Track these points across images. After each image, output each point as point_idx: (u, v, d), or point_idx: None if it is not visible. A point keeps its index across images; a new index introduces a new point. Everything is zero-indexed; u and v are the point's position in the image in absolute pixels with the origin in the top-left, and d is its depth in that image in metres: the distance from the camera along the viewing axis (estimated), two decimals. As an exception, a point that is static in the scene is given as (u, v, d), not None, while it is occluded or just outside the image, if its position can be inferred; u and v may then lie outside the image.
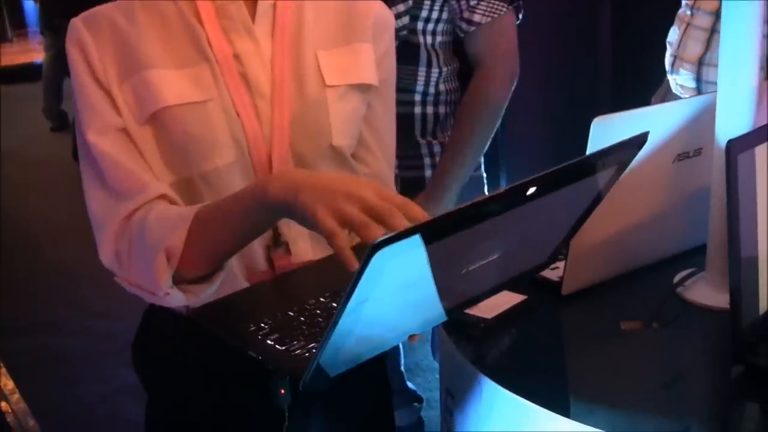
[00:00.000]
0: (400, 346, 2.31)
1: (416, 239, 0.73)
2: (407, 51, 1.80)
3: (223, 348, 0.99)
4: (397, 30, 1.69)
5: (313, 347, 0.93)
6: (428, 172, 1.92)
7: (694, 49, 2.25)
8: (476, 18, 1.81)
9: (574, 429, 0.96)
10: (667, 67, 2.38)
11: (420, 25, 1.81)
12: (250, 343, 0.95)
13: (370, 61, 1.21)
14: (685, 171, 1.26)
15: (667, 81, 2.45)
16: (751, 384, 1.04)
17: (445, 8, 1.81)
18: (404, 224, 0.86)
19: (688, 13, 2.25)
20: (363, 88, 1.20)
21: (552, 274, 1.28)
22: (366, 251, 0.71)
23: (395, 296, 0.81)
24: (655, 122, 1.22)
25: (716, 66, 2.15)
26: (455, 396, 1.18)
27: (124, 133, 1.09)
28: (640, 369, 1.11)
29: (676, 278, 1.26)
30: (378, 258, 0.71)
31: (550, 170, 0.85)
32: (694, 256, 1.29)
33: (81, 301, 3.68)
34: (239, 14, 1.13)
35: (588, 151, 1.21)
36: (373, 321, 0.82)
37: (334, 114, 1.16)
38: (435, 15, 1.81)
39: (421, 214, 0.89)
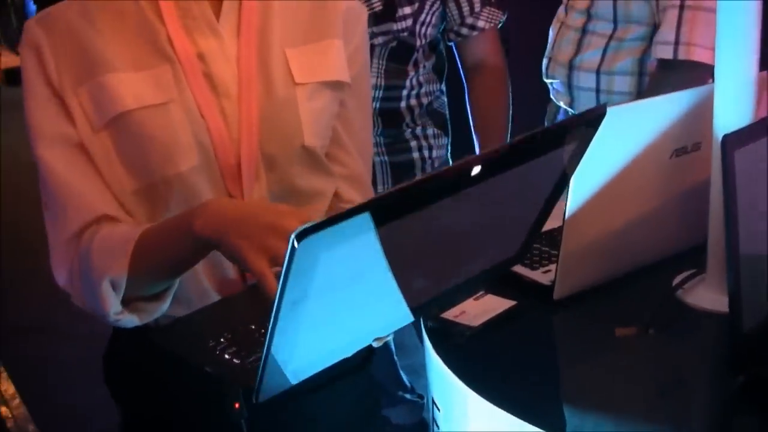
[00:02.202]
0: (391, 344, 2.31)
1: (359, 220, 0.67)
2: (403, 52, 1.90)
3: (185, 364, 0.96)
4: (398, 31, 1.84)
5: None
6: (415, 154, 2.00)
7: (567, 50, 2.19)
8: (480, 24, 1.96)
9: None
10: (543, 71, 2.30)
11: (418, 28, 1.89)
12: (206, 359, 0.92)
13: (341, 57, 1.16)
14: (682, 167, 1.19)
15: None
16: (753, 395, 0.97)
17: (437, 12, 1.92)
18: None
19: (563, 11, 2.18)
20: (334, 86, 1.14)
21: (543, 277, 1.21)
22: (289, 242, 0.65)
23: (343, 292, 0.76)
24: (650, 116, 1.16)
25: (586, 70, 2.15)
26: (441, 408, 1.12)
27: (77, 146, 1.05)
28: (636, 378, 1.05)
29: (676, 280, 1.19)
30: (304, 249, 0.65)
31: (499, 146, 0.82)
32: (693, 257, 1.22)
33: (53, 304, 3.63)
34: (203, 13, 1.07)
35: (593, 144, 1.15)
36: (321, 321, 0.78)
37: (304, 113, 1.10)
38: (429, 18, 1.90)
39: None
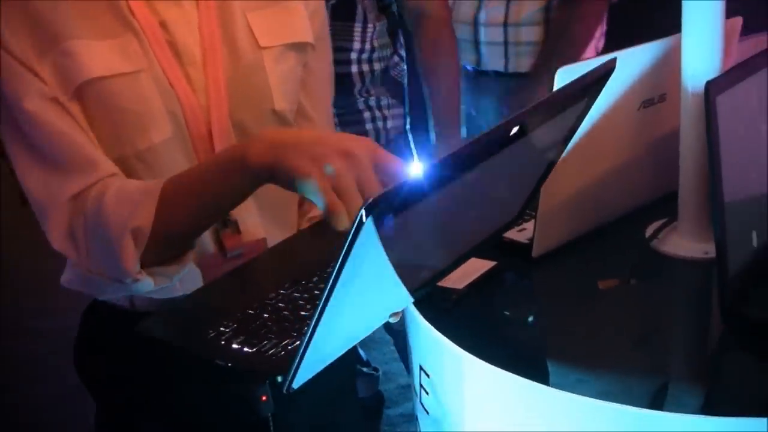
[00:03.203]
0: None
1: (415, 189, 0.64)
2: (345, 7, 1.85)
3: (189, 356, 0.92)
4: None
5: (288, 344, 0.84)
6: (369, 126, 1.96)
7: (467, 9, 2.23)
8: None
9: (558, 397, 0.91)
10: None
11: None
12: (214, 350, 0.86)
13: (304, 18, 1.14)
14: (650, 118, 1.21)
15: None
16: (739, 335, 0.99)
17: None
18: None
19: None
20: (299, 47, 1.13)
21: (520, 236, 1.21)
22: (357, 216, 0.60)
23: (380, 273, 0.72)
24: (618, 69, 1.16)
25: (492, 25, 2.21)
26: (431, 374, 1.11)
27: (61, 105, 0.99)
28: (624, 327, 1.06)
29: (649, 231, 1.21)
30: (369, 224, 0.61)
31: (528, 108, 0.79)
32: (663, 207, 1.24)
33: (20, 300, 3.53)
34: None
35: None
36: (359, 298, 0.73)
37: (272, 76, 1.08)
38: None
39: None
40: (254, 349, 0.86)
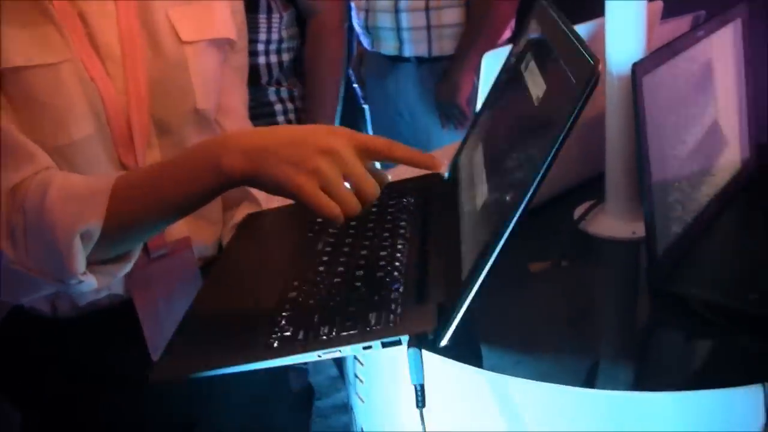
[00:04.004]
0: None
1: None
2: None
3: (105, 351, 0.88)
4: None
5: (348, 312, 0.82)
6: (281, 118, 1.94)
7: None
8: None
9: (495, 379, 0.91)
10: (361, 24, 2.36)
11: None
12: (315, 346, 0.79)
13: (226, 14, 1.11)
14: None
15: None
16: (668, 312, 1.01)
17: None
18: (374, 190, 0.82)
19: None
20: (221, 43, 1.10)
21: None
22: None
23: None
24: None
25: (414, 10, 2.24)
26: (366, 362, 1.11)
27: None
28: (556, 309, 1.07)
29: (577, 213, 1.22)
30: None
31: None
32: (591, 188, 1.26)
33: None
34: None
35: (480, 87, 1.15)
36: None
37: (195, 73, 1.05)
38: None
39: (405, 152, 0.84)
40: (348, 329, 0.80)
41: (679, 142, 1.06)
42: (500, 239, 0.72)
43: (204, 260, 1.10)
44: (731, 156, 1.22)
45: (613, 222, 1.19)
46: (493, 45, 2.30)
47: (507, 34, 2.37)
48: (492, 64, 1.08)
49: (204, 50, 1.07)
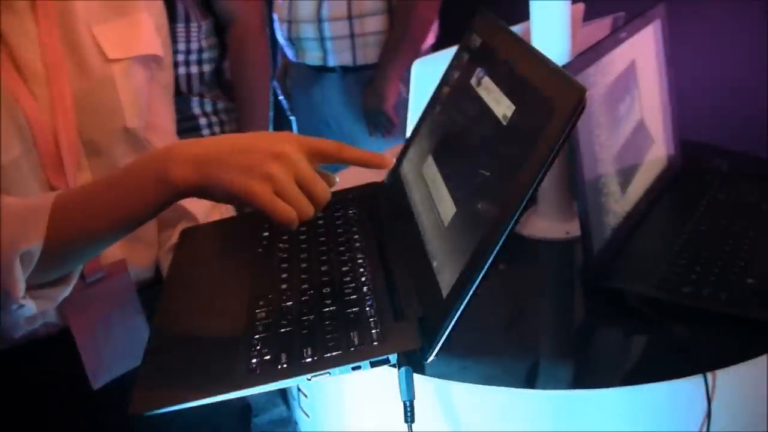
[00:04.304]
0: None
1: None
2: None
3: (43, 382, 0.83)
4: None
5: (324, 330, 0.80)
6: (206, 132, 1.89)
7: (308, 7, 2.28)
8: None
9: (441, 386, 0.92)
10: (284, 35, 2.38)
11: None
12: (302, 370, 0.76)
13: (151, 30, 1.09)
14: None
15: None
16: (606, 308, 1.03)
17: None
18: (325, 194, 0.81)
19: None
20: (148, 60, 1.08)
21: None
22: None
23: None
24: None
25: (336, 19, 2.26)
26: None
27: None
28: (496, 312, 1.08)
29: (511, 215, 1.24)
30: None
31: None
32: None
33: None
34: None
35: (411, 94, 1.16)
36: None
37: (123, 91, 1.03)
38: None
39: (354, 153, 0.84)
40: (330, 351, 0.77)
41: (608, 141, 1.08)
42: (488, 258, 0.72)
43: (140, 284, 1.08)
44: (658, 153, 1.25)
45: (546, 223, 1.21)
46: (416, 51, 2.31)
47: (431, 39, 2.38)
48: (423, 71, 1.08)
49: (131, 67, 1.04)
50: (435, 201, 0.90)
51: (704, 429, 0.88)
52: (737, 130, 2.18)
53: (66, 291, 0.91)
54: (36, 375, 0.97)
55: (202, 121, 1.89)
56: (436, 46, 2.41)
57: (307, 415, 1.12)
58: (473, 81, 0.91)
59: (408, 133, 2.30)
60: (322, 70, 2.37)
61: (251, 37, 1.92)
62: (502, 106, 0.83)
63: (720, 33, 2.58)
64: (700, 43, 2.50)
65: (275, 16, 2.40)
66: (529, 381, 0.93)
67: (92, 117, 1.00)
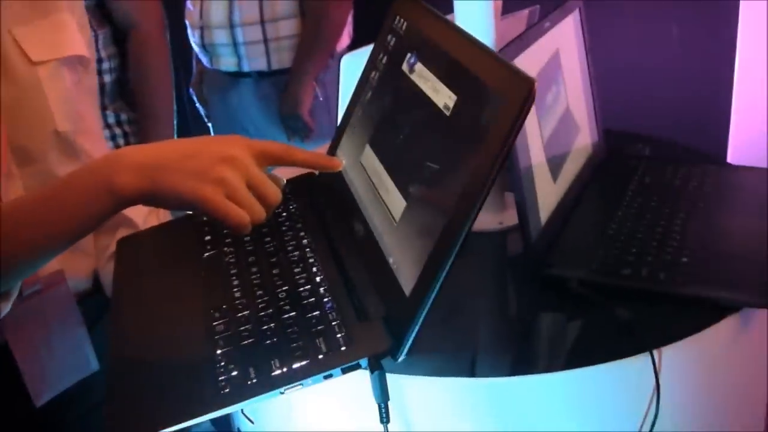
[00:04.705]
0: None
1: None
2: None
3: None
4: None
5: (299, 342, 0.78)
6: (110, 144, 1.84)
7: (219, 13, 2.28)
8: None
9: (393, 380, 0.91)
10: (197, 42, 2.37)
11: None
12: (274, 383, 0.74)
13: (74, 31, 1.06)
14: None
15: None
16: (548, 295, 1.04)
17: None
18: (276, 196, 0.80)
19: None
20: (74, 61, 1.05)
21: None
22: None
23: None
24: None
25: (249, 24, 2.27)
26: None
27: None
28: (440, 305, 1.06)
29: (444, 209, 1.24)
30: None
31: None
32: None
33: None
34: None
35: (341, 90, 1.15)
36: None
37: (51, 94, 1.00)
38: None
39: (303, 155, 0.84)
40: (278, 364, 0.76)
41: (539, 131, 1.09)
42: (452, 253, 0.72)
43: (79, 294, 1.04)
44: (584, 141, 1.27)
45: (480, 214, 1.21)
46: (329, 54, 2.30)
47: (346, 41, 2.38)
48: (351, 66, 1.08)
49: (57, 70, 1.01)
50: (381, 193, 0.89)
51: (653, 406, 0.90)
52: (651, 117, 2.25)
53: (6, 308, 0.87)
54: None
55: (105, 133, 1.83)
56: (352, 48, 2.40)
57: (251, 422, 1.09)
58: (405, 67, 0.91)
59: (333, 133, 2.30)
60: (238, 75, 2.34)
61: (151, 44, 1.88)
62: (442, 96, 0.82)
63: (633, 22, 2.65)
64: (617, 32, 2.57)
65: (187, 22, 2.36)
66: (477, 370, 0.93)
67: (21, 122, 0.97)
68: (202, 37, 2.30)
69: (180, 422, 0.72)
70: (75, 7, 1.07)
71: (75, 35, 1.05)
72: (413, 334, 0.75)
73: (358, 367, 0.76)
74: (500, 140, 0.70)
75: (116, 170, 0.78)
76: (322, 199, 1.00)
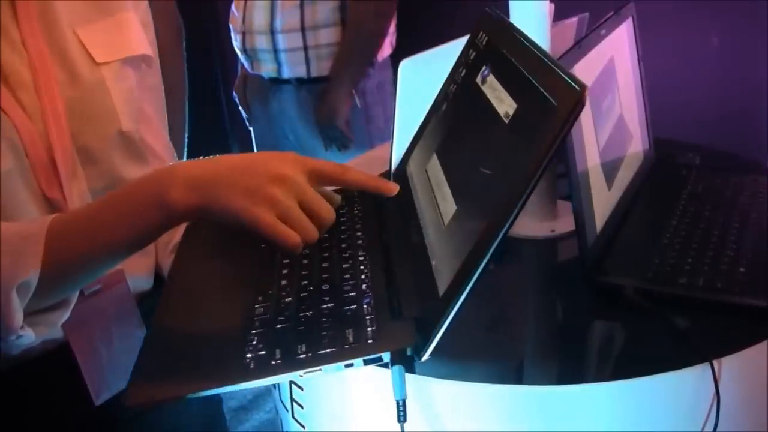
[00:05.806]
0: None
1: None
2: None
3: (43, 400, 0.80)
4: None
5: (322, 327, 0.79)
6: None
7: (261, 18, 2.27)
8: None
9: (445, 389, 0.90)
10: (239, 47, 2.37)
11: None
12: (295, 366, 0.76)
13: (138, 30, 1.07)
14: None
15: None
16: (604, 303, 1.03)
17: None
18: (330, 215, 0.80)
19: None
20: (138, 61, 1.05)
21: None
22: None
23: None
24: (441, 62, 1.18)
25: (289, 31, 2.26)
26: (306, 386, 1.08)
27: None
28: (492, 312, 1.07)
29: (496, 216, 1.24)
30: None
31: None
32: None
33: None
34: None
35: (398, 96, 1.15)
36: None
37: (116, 94, 1.00)
38: None
39: (358, 176, 0.83)
40: (326, 347, 0.77)
41: (595, 138, 1.08)
42: (484, 257, 0.72)
43: (139, 295, 1.05)
44: (636, 149, 1.26)
45: (532, 222, 1.21)
46: (368, 63, 2.30)
47: (387, 50, 2.38)
48: (410, 72, 1.08)
49: (121, 70, 1.02)
50: (437, 199, 0.90)
51: (711, 419, 0.89)
52: (692, 126, 2.23)
53: (65, 315, 0.89)
54: (35, 393, 0.94)
55: None
56: (394, 57, 2.40)
57: (303, 427, 1.09)
58: (478, 79, 0.91)
59: (372, 143, 2.30)
60: (277, 81, 2.35)
61: (166, 50, 1.88)
62: (504, 104, 0.83)
63: (682, 32, 2.64)
64: (657, 42, 2.55)
65: (231, 26, 2.37)
66: (525, 377, 0.93)
67: (86, 123, 0.98)
68: (243, 42, 2.31)
69: (200, 390, 0.74)
70: (138, 5, 1.08)
71: (139, 34, 1.06)
72: (439, 334, 0.75)
73: (379, 360, 0.77)
74: (546, 145, 0.70)
75: (169, 185, 0.79)
76: (388, 204, 1.01)
